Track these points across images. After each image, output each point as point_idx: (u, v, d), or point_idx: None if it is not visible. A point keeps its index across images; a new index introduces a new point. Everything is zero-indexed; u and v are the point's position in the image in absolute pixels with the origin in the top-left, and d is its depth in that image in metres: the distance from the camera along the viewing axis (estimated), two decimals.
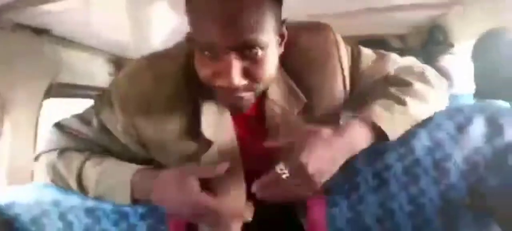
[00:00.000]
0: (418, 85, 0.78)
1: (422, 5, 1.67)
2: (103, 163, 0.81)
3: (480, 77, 1.31)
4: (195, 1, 0.64)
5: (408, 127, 0.75)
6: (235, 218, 0.73)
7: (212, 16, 0.62)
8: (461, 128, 0.75)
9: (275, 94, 0.79)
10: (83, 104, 0.89)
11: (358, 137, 0.71)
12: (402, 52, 0.92)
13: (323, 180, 0.68)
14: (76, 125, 0.85)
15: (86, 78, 1.58)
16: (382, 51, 0.89)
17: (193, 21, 0.66)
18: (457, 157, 0.74)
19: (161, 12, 1.47)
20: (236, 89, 0.67)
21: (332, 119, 0.78)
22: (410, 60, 0.89)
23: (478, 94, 1.27)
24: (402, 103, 0.74)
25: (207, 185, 0.73)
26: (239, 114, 0.79)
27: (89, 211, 0.83)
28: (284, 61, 0.77)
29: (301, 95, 0.80)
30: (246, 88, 0.68)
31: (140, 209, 0.82)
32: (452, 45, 1.80)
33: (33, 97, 1.28)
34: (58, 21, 1.28)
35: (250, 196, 0.79)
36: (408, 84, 0.78)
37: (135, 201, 0.78)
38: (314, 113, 0.79)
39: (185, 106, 0.77)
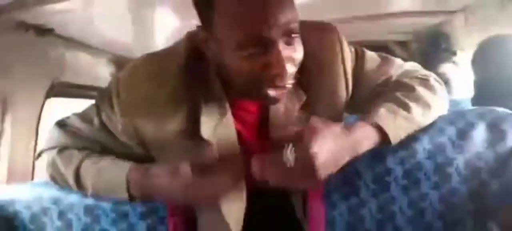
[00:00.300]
0: (421, 91, 0.78)
1: (424, 12, 1.67)
2: (100, 162, 0.81)
3: (479, 83, 1.31)
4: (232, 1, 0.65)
5: (410, 131, 0.75)
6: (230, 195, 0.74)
7: (260, 8, 0.64)
8: (463, 133, 0.75)
9: None
10: (85, 105, 0.89)
11: (364, 138, 0.71)
12: (404, 59, 0.92)
13: (327, 174, 0.67)
14: (77, 123, 0.85)
15: (89, 79, 1.59)
16: (387, 55, 0.89)
17: (232, 21, 0.66)
18: (459, 161, 0.74)
19: (164, 13, 1.48)
20: (286, 77, 0.68)
21: (333, 120, 0.78)
22: (413, 66, 0.89)
23: (476, 100, 1.27)
24: (407, 109, 0.74)
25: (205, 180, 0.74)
26: (239, 109, 0.79)
27: (89, 210, 0.83)
28: None
29: (301, 92, 0.80)
30: (291, 76, 0.70)
31: (140, 208, 0.82)
32: (454, 53, 1.81)
33: (35, 97, 1.28)
34: (61, 21, 1.28)
35: (250, 196, 0.79)
36: (412, 89, 0.78)
37: (132, 198, 0.78)
38: (314, 112, 0.79)
39: (185, 106, 0.77)
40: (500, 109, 0.77)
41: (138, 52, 1.79)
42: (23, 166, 1.18)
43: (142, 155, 0.82)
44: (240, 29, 0.65)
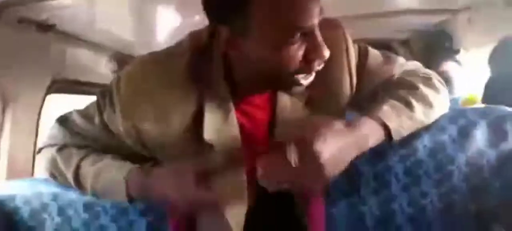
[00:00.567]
0: (424, 90, 0.78)
1: (427, 10, 1.67)
2: (100, 162, 0.80)
3: (493, 83, 1.30)
4: None
5: (412, 130, 0.74)
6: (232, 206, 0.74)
7: (302, 1, 0.67)
8: (464, 132, 0.75)
9: None
10: (86, 101, 0.89)
11: (369, 134, 0.70)
12: (406, 57, 0.91)
13: (333, 173, 0.66)
14: (79, 121, 0.84)
15: (90, 75, 1.59)
16: (389, 53, 0.88)
17: (274, 14, 0.67)
18: (460, 160, 0.73)
19: (166, 10, 1.47)
20: (322, 61, 0.71)
21: (335, 116, 0.78)
22: (415, 65, 0.88)
23: (488, 100, 1.26)
24: (410, 107, 0.74)
25: (207, 184, 0.73)
26: (247, 103, 0.79)
27: (88, 206, 0.83)
28: None
29: (307, 90, 0.79)
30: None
31: (140, 206, 0.82)
32: (457, 51, 1.80)
33: (35, 93, 1.29)
34: (63, 17, 1.28)
35: (251, 196, 0.78)
36: (415, 88, 0.78)
37: (131, 199, 0.78)
38: (319, 107, 0.79)
39: (188, 108, 0.76)
40: (502, 108, 0.77)
41: (139, 49, 1.81)
42: (23, 162, 1.18)
43: (144, 154, 0.81)
44: (284, 22, 0.67)
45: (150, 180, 0.75)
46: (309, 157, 0.64)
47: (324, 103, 0.80)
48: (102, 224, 0.83)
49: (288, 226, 0.83)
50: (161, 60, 0.78)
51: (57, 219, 0.84)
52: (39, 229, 0.84)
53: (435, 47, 1.84)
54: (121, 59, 1.75)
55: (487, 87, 1.34)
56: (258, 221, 0.79)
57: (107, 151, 0.83)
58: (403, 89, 0.77)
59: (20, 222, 0.84)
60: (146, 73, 0.77)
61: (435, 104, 0.77)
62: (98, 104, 0.82)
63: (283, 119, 0.79)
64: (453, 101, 0.88)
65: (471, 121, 0.75)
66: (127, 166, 0.78)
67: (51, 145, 0.86)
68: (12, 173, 1.13)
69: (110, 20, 1.42)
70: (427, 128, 0.76)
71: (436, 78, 0.83)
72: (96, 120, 0.82)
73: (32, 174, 1.20)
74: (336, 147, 0.66)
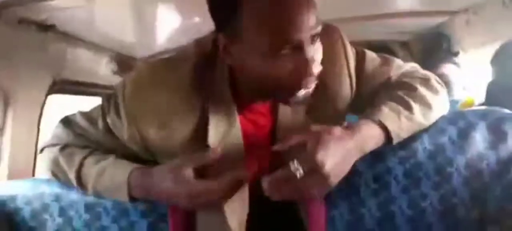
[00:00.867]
0: (423, 91, 0.78)
1: (426, 12, 1.67)
2: (103, 161, 0.80)
3: (495, 85, 1.31)
4: (263, 5, 0.65)
5: (412, 132, 0.75)
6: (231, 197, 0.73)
7: (291, 13, 0.65)
8: (464, 133, 0.75)
9: None
10: (86, 101, 0.89)
11: (370, 136, 0.71)
12: (405, 59, 0.92)
13: (337, 180, 0.67)
14: (83, 123, 0.85)
15: (90, 76, 1.59)
16: (387, 55, 0.89)
17: (263, 26, 0.66)
18: (459, 162, 0.74)
19: (166, 12, 1.48)
20: (313, 77, 0.70)
21: (336, 120, 0.78)
22: (413, 66, 0.89)
23: (490, 102, 1.27)
24: (409, 108, 0.74)
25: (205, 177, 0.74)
26: (251, 111, 0.79)
27: (89, 207, 0.83)
28: None
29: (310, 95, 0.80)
30: (316, 77, 0.71)
31: (141, 206, 0.82)
32: (456, 53, 1.80)
33: (36, 93, 1.29)
34: (63, 18, 1.28)
35: (252, 198, 0.79)
36: (414, 89, 0.78)
37: (133, 199, 0.78)
38: (319, 113, 0.79)
39: (193, 114, 0.77)
40: (502, 110, 0.77)
41: (139, 50, 1.82)
42: (24, 162, 1.18)
43: (146, 158, 0.82)
44: (271, 32, 0.66)
45: (150, 178, 0.75)
46: (313, 168, 0.64)
47: (325, 108, 0.81)
48: (103, 225, 0.83)
49: (289, 227, 0.83)
50: (166, 67, 0.79)
51: (58, 220, 0.84)
52: (40, 230, 0.84)
53: (434, 49, 1.85)
54: (121, 60, 1.76)
55: (489, 89, 1.34)
56: (259, 223, 0.80)
57: (110, 152, 0.83)
58: (401, 91, 0.78)
59: (22, 222, 0.85)
60: (151, 80, 0.77)
61: (434, 106, 0.77)
62: (103, 109, 0.83)
63: (284, 126, 0.79)
64: (452, 103, 0.88)
65: (471, 123, 0.76)
66: (130, 165, 0.78)
67: (53, 145, 0.86)
68: (14, 173, 1.13)
69: (110, 21, 1.42)
70: (426, 130, 0.77)
71: (434, 80, 0.84)
72: (100, 123, 0.82)
73: (33, 174, 1.20)
74: (338, 155, 0.67)
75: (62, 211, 0.84)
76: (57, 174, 0.85)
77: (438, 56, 1.80)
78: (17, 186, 0.90)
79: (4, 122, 1.15)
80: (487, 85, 1.35)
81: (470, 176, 0.73)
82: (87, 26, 1.41)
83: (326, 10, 1.46)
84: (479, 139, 0.74)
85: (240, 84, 0.77)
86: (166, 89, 0.76)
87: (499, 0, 1.36)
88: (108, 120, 0.81)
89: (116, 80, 1.71)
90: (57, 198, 0.85)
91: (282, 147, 0.70)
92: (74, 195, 0.84)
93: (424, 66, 0.91)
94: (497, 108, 0.78)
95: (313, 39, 0.68)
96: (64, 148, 0.85)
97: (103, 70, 1.68)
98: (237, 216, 0.77)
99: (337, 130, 0.69)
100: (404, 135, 0.74)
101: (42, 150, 0.89)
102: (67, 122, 0.87)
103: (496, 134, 0.74)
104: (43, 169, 0.88)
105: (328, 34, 0.81)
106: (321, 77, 0.78)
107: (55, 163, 0.84)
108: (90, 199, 0.83)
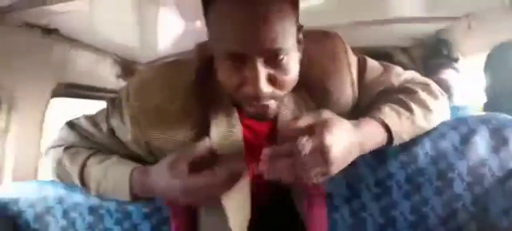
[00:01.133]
0: (423, 95, 0.79)
1: (427, 18, 1.68)
2: (106, 161, 0.81)
3: (491, 89, 1.31)
4: (219, 11, 0.65)
5: (413, 135, 0.75)
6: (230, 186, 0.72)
7: (239, 24, 0.63)
8: (466, 139, 0.75)
9: (287, 100, 0.79)
10: (89, 105, 0.90)
11: (371, 134, 0.71)
12: (406, 64, 0.92)
13: (337, 170, 0.66)
14: (87, 126, 0.86)
15: (93, 80, 1.59)
16: (387, 63, 0.90)
17: (216, 29, 0.67)
18: (461, 167, 0.74)
19: (169, 17, 1.48)
20: (262, 97, 0.67)
21: None
22: (413, 74, 0.90)
23: (488, 107, 1.27)
24: (409, 110, 0.75)
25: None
26: (251, 120, 0.79)
27: (93, 209, 0.84)
28: None
29: (309, 100, 0.80)
30: (272, 96, 0.69)
31: (144, 209, 0.83)
32: (456, 59, 1.81)
33: (40, 96, 1.29)
34: (66, 22, 1.29)
35: (253, 203, 0.79)
36: (414, 93, 0.79)
37: (135, 198, 0.79)
38: None
39: (195, 117, 0.78)
40: (504, 115, 0.78)
41: (142, 54, 1.82)
42: (27, 165, 1.18)
43: (149, 161, 0.82)
44: (221, 41, 0.66)
45: (149, 176, 0.76)
46: (319, 150, 0.63)
47: None
48: (107, 227, 0.84)
49: (291, 227, 0.83)
50: (169, 70, 0.80)
51: (62, 222, 0.85)
52: None
53: (434, 55, 1.85)
54: (124, 64, 1.76)
55: (486, 94, 1.35)
56: (260, 227, 0.80)
57: (113, 153, 0.84)
58: (402, 94, 0.79)
59: (25, 224, 0.85)
60: (153, 82, 0.78)
61: (434, 109, 0.78)
62: (107, 112, 0.84)
63: (282, 131, 0.78)
64: (453, 109, 0.89)
65: (473, 128, 0.76)
66: (131, 164, 0.79)
67: (58, 146, 0.87)
68: (17, 176, 1.13)
69: (113, 25, 1.43)
70: (428, 135, 0.77)
71: (434, 86, 0.84)
72: (104, 127, 0.83)
73: (36, 176, 1.21)
74: (343, 145, 0.66)
75: (65, 213, 0.85)
76: (61, 174, 0.86)
77: (438, 62, 1.80)
78: (21, 188, 0.90)
79: (7, 124, 1.16)
80: (485, 91, 1.36)
81: (472, 182, 0.74)
82: (90, 30, 1.41)
83: (328, 16, 1.48)
84: (481, 144, 0.75)
85: None
86: (168, 92, 0.77)
87: (500, 5, 1.36)
88: (112, 123, 0.82)
89: (119, 84, 1.72)
90: (60, 200, 0.85)
91: (292, 125, 0.68)
92: (77, 197, 0.85)
93: (425, 71, 0.92)
94: (498, 113, 0.78)
95: (270, 55, 0.66)
96: (68, 148, 0.86)
97: (106, 74, 1.68)
98: (239, 218, 0.77)
99: (346, 123, 0.69)
100: (405, 136, 0.74)
101: (47, 151, 0.90)
102: (72, 124, 0.88)
103: (498, 139, 0.74)
104: (48, 170, 0.89)
105: (328, 40, 0.82)
106: (322, 82, 0.79)
107: (59, 163, 0.85)
108: (94, 201, 0.84)
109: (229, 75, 0.68)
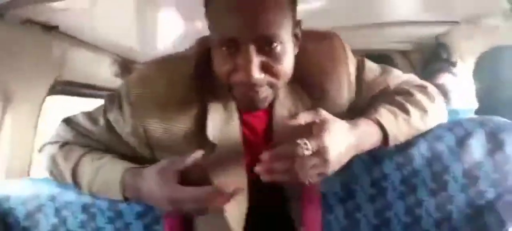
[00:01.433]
0: (419, 97, 0.79)
1: (426, 22, 1.68)
2: (99, 160, 0.81)
3: (482, 94, 1.31)
4: (218, 1, 0.67)
5: (409, 136, 0.75)
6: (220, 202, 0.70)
7: (234, 10, 0.65)
8: (461, 142, 0.75)
9: (283, 97, 0.80)
10: (86, 103, 0.90)
11: (367, 134, 0.71)
12: (404, 68, 0.92)
13: (334, 170, 0.67)
14: (84, 122, 0.86)
15: (91, 78, 1.59)
16: (385, 65, 0.90)
17: (213, 17, 0.70)
18: (456, 169, 0.74)
19: (168, 17, 1.48)
20: (254, 84, 0.68)
21: None
22: (410, 76, 0.90)
23: (481, 112, 1.27)
24: (406, 111, 0.75)
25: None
26: (249, 113, 0.80)
27: (85, 208, 0.83)
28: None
29: (306, 98, 0.81)
30: (264, 83, 0.70)
31: (136, 208, 0.82)
32: (454, 63, 1.81)
33: (36, 93, 1.28)
34: (66, 19, 1.29)
35: (251, 202, 0.79)
36: (410, 94, 0.79)
37: (126, 199, 0.78)
38: None
39: (193, 109, 0.79)
40: (499, 118, 0.77)
41: (141, 53, 1.82)
42: (21, 162, 1.18)
43: (146, 157, 0.82)
44: (217, 27, 0.69)
45: (140, 179, 0.75)
46: (318, 149, 0.64)
47: None
48: (99, 226, 0.83)
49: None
50: (168, 64, 0.81)
51: (53, 220, 0.84)
52: (33, 230, 0.84)
53: (433, 58, 1.85)
54: (123, 63, 1.76)
55: (477, 100, 1.34)
56: (254, 227, 0.80)
57: (109, 152, 0.84)
58: (399, 96, 0.79)
59: (15, 223, 0.84)
60: (154, 76, 0.79)
61: (430, 111, 0.78)
62: (104, 107, 0.84)
63: (280, 128, 0.79)
64: (452, 113, 0.88)
65: (468, 131, 0.76)
66: (124, 165, 0.79)
67: (54, 142, 0.87)
68: (10, 173, 1.12)
69: (112, 24, 1.42)
70: (424, 137, 0.77)
71: (431, 89, 0.84)
72: (101, 121, 0.83)
73: (30, 174, 1.20)
74: (340, 145, 0.67)
75: (57, 212, 0.84)
76: (54, 171, 0.85)
77: (437, 66, 1.81)
78: (13, 186, 0.89)
79: (2, 120, 1.15)
80: (476, 95, 1.35)
81: (467, 183, 0.73)
82: (89, 28, 1.41)
83: (327, 19, 1.48)
84: (476, 147, 0.74)
85: None
86: (168, 83, 0.78)
87: (499, 10, 1.36)
88: (110, 117, 0.82)
89: (117, 83, 1.71)
90: (52, 198, 0.85)
91: (290, 123, 0.69)
92: (69, 196, 0.84)
93: (423, 75, 0.92)
94: (493, 117, 0.78)
95: (264, 43, 0.67)
96: (63, 145, 0.85)
97: (105, 73, 1.68)
98: (236, 213, 0.78)
99: (342, 121, 0.69)
100: (401, 137, 0.74)
101: (42, 148, 0.89)
102: (68, 120, 0.88)
103: (493, 142, 0.74)
104: (42, 167, 0.88)
105: (326, 40, 0.82)
106: (320, 80, 0.80)
107: (53, 160, 0.85)
108: (86, 199, 0.83)
109: (223, 62, 0.69)
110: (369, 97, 0.84)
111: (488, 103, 1.26)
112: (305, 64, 0.78)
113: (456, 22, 1.64)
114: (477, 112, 1.30)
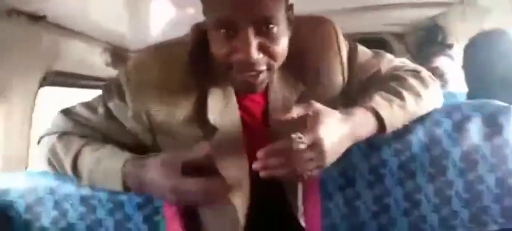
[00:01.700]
0: (413, 81, 0.79)
1: (421, 4, 1.67)
2: (99, 150, 0.81)
3: (472, 78, 1.31)
4: None
5: (404, 122, 0.75)
6: (226, 193, 0.73)
7: None
8: (459, 126, 0.75)
9: (277, 81, 0.81)
10: (79, 94, 0.89)
11: (363, 123, 0.71)
12: (400, 51, 0.92)
13: (331, 161, 0.67)
14: (82, 112, 0.85)
15: (83, 68, 1.57)
16: (377, 50, 0.90)
17: (211, 2, 0.70)
18: (454, 154, 0.74)
19: (160, 3, 1.47)
20: (253, 64, 0.69)
21: None
22: (403, 61, 0.91)
23: (472, 96, 1.27)
24: (400, 97, 0.75)
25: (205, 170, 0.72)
26: (245, 98, 0.81)
27: (84, 200, 0.83)
28: None
29: (300, 83, 0.82)
30: (263, 64, 0.71)
31: (136, 199, 0.82)
32: (450, 46, 1.81)
33: (28, 85, 1.27)
34: (55, 9, 1.26)
35: (252, 183, 0.79)
36: (403, 80, 0.80)
37: (126, 189, 0.78)
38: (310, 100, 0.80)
39: (193, 93, 0.79)
40: (497, 102, 0.77)
41: (133, 41, 1.80)
42: (17, 155, 1.17)
43: (147, 143, 0.83)
44: (213, 10, 0.70)
45: (142, 169, 0.75)
46: (313, 142, 0.64)
47: (316, 97, 0.80)
48: (99, 218, 0.83)
49: (285, 220, 0.84)
50: (166, 48, 0.82)
51: (53, 213, 0.84)
52: (35, 223, 0.83)
53: (428, 41, 1.85)
54: (115, 52, 1.74)
55: (467, 85, 1.35)
56: (255, 215, 0.80)
57: (108, 142, 0.83)
58: (392, 82, 0.79)
59: (16, 216, 0.84)
60: (152, 61, 0.80)
61: (424, 96, 0.78)
62: (103, 95, 0.84)
63: (276, 111, 0.80)
64: (450, 95, 0.88)
65: (466, 115, 0.76)
66: (125, 155, 0.79)
67: (52, 133, 0.86)
68: (7, 166, 1.12)
69: (103, 12, 1.41)
70: (421, 122, 0.77)
71: (425, 73, 0.85)
72: (100, 110, 0.83)
73: (27, 166, 1.20)
74: (336, 136, 0.67)
75: (57, 204, 0.84)
76: (53, 162, 0.85)
77: (433, 49, 1.81)
78: (11, 179, 0.89)
79: None
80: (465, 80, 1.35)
81: (465, 168, 0.74)
82: (80, 17, 1.39)
83: (322, 1, 1.47)
84: (474, 131, 0.75)
85: None
86: (166, 68, 0.79)
87: None
88: (110, 105, 0.83)
89: (109, 72, 1.70)
90: (51, 191, 0.84)
91: (283, 117, 0.69)
92: (68, 188, 0.84)
93: (419, 58, 0.92)
94: (491, 100, 0.78)
95: (262, 24, 0.68)
96: (62, 135, 0.85)
97: (97, 62, 1.67)
98: (238, 201, 0.79)
99: (335, 112, 0.70)
100: (397, 123, 0.74)
101: (40, 139, 0.89)
102: (66, 111, 0.88)
103: (491, 126, 0.74)
104: (40, 158, 0.88)
105: (320, 25, 0.84)
106: (313, 65, 0.81)
107: (52, 151, 0.84)
108: (85, 191, 0.83)
109: (221, 45, 0.70)
110: (361, 81, 0.84)
111: (479, 87, 1.26)
112: (297, 49, 0.78)
113: (452, 4, 1.64)
114: (468, 95, 1.30)
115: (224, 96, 0.80)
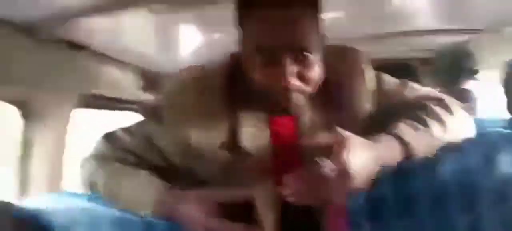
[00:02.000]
0: (436, 109, 0.79)
1: (449, 30, 1.66)
2: (135, 176, 0.83)
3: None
4: (255, 15, 0.73)
5: (430, 149, 0.75)
6: None
7: (272, 24, 0.71)
8: (490, 157, 0.74)
9: (306, 106, 0.82)
10: (112, 116, 0.92)
11: (388, 150, 0.72)
12: (426, 76, 0.92)
13: (358, 185, 0.67)
14: (122, 136, 0.89)
15: (116, 91, 1.62)
16: (402, 79, 0.91)
17: (250, 31, 0.74)
18: (485, 186, 0.73)
19: (188, 29, 1.51)
20: (290, 90, 0.72)
21: None
22: (428, 90, 0.91)
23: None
24: (424, 123, 0.76)
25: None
26: (275, 122, 0.82)
27: (117, 222, 0.85)
28: None
29: (327, 108, 0.83)
30: (299, 90, 0.74)
31: (170, 224, 0.83)
32: (476, 72, 1.79)
33: (64, 108, 1.32)
34: (90, 35, 1.32)
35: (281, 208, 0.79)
36: (427, 107, 0.80)
37: (158, 217, 0.80)
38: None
39: (226, 118, 0.82)
40: None
41: (164, 65, 1.85)
42: (52, 176, 1.21)
43: (180, 167, 0.85)
44: (253, 37, 0.73)
45: (177, 200, 0.78)
46: (339, 168, 0.65)
47: (340, 124, 0.81)
48: None
49: None
50: (201, 74, 0.85)
51: None
52: None
53: (455, 67, 1.83)
54: (147, 75, 1.79)
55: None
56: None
57: (144, 165, 0.86)
58: (416, 110, 0.80)
59: None
60: (189, 85, 0.83)
61: (448, 122, 0.78)
62: (142, 120, 0.89)
63: (304, 135, 0.82)
64: (478, 122, 0.87)
65: (497, 146, 0.75)
66: (161, 183, 0.81)
67: (93, 157, 0.90)
68: (41, 187, 1.15)
69: (134, 38, 1.46)
70: (451, 152, 0.76)
71: (449, 100, 0.85)
72: (139, 134, 0.87)
73: (60, 188, 1.23)
74: (362, 161, 0.67)
75: (91, 226, 0.86)
76: (91, 185, 0.88)
77: (460, 74, 1.78)
78: (46, 199, 0.91)
79: (32, 136, 1.19)
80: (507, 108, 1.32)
81: (496, 201, 0.73)
82: (113, 43, 1.45)
83: (350, 28, 1.48)
84: (505, 162, 0.73)
85: None
86: (205, 92, 0.82)
87: None
88: (148, 129, 0.86)
89: (142, 96, 1.75)
90: (85, 212, 0.86)
91: (310, 143, 0.73)
92: (102, 210, 0.86)
93: (445, 84, 0.91)
94: None
95: (298, 52, 0.72)
96: (102, 160, 0.88)
97: (129, 86, 1.72)
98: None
99: (360, 138, 0.70)
100: (423, 148, 0.74)
101: (82, 163, 0.92)
102: (108, 136, 0.91)
103: None
104: (80, 180, 0.91)
105: (348, 54, 0.86)
106: (340, 92, 0.83)
107: (92, 174, 0.87)
108: (119, 214, 0.84)
109: (260, 71, 0.73)
110: (387, 109, 0.85)
111: None
112: (326, 76, 0.80)
113: (478, 31, 1.63)
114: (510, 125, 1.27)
115: (257, 122, 0.82)
